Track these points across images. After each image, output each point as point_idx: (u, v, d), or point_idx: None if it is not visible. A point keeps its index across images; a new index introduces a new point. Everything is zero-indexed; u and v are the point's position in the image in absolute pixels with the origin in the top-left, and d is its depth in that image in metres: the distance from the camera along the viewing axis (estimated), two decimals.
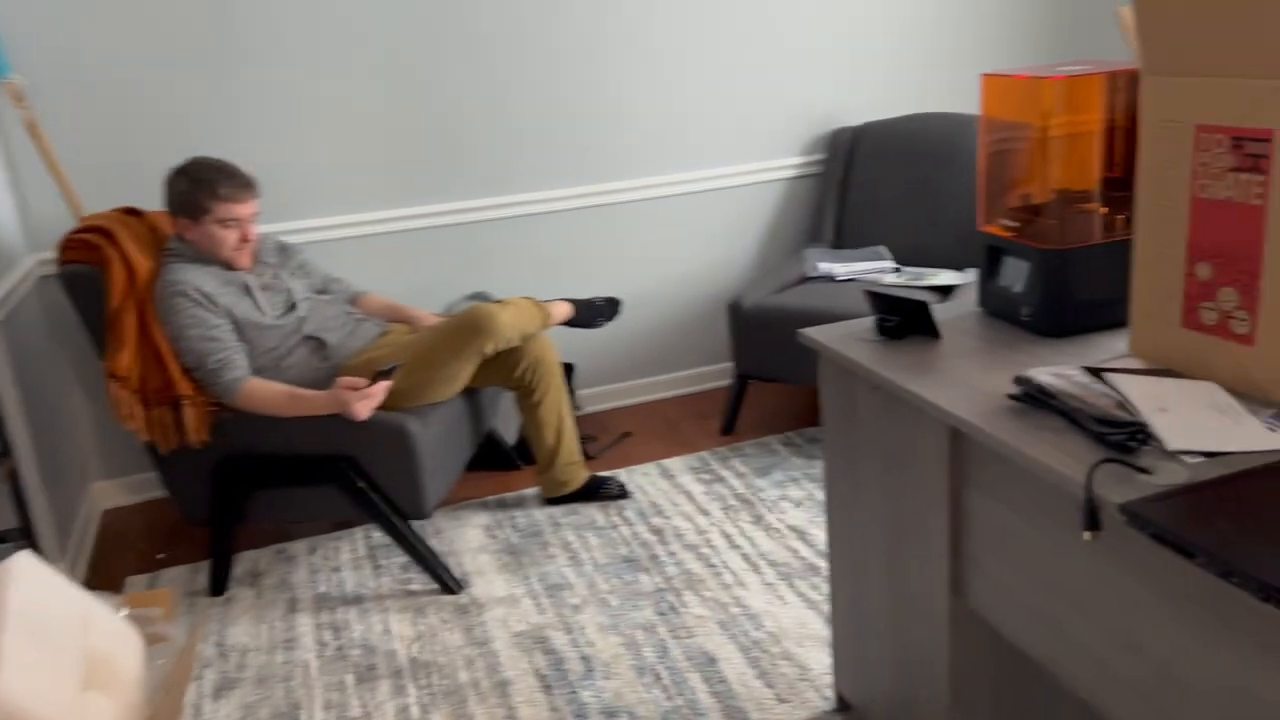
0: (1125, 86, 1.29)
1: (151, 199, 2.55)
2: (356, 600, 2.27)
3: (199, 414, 2.13)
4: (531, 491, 2.74)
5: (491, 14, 2.94)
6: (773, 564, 2.27)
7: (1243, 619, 0.82)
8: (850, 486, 1.47)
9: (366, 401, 2.07)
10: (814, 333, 1.46)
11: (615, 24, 3.08)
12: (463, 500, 2.73)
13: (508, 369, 2.44)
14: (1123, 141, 1.32)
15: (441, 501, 2.64)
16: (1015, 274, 1.39)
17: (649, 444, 3.03)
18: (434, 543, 2.49)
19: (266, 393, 2.12)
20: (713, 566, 2.28)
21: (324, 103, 2.83)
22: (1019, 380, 1.13)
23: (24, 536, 2.01)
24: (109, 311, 2.13)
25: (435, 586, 2.28)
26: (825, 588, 2.15)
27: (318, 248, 2.89)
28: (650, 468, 2.84)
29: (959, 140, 3.12)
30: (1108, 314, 1.34)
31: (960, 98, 3.58)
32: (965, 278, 2.79)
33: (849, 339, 1.42)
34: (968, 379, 1.22)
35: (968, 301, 1.51)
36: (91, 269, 2.15)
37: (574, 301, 2.69)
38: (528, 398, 2.52)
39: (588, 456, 2.78)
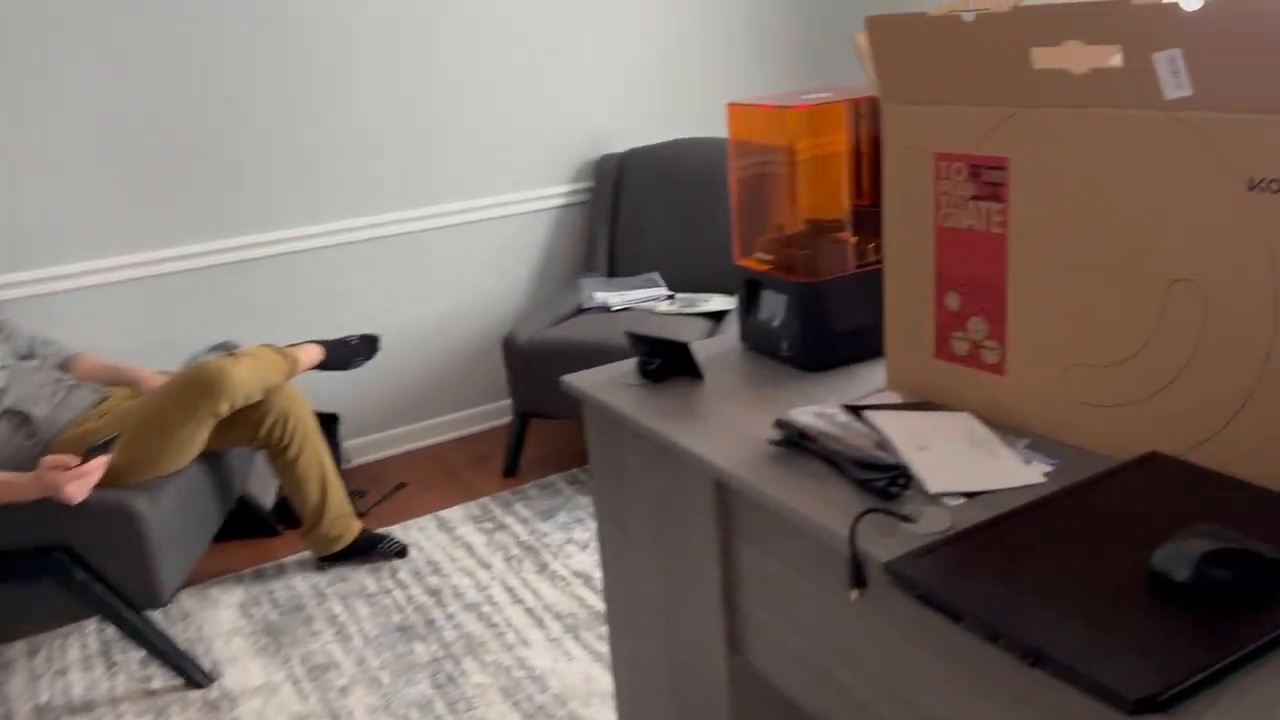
0: (868, 113, 1.28)
1: None
2: (86, 708, 1.99)
3: None
4: (295, 559, 2.52)
5: (235, 44, 2.71)
6: (558, 616, 2.16)
7: (1013, 677, 0.78)
8: (622, 538, 1.38)
9: (80, 482, 1.81)
10: (575, 379, 1.37)
11: (371, 54, 2.91)
12: (213, 577, 2.47)
13: (251, 427, 2.22)
14: (869, 169, 1.31)
15: (185, 582, 2.38)
16: (773, 308, 1.35)
17: (426, 494, 2.87)
18: (178, 630, 2.22)
19: None
20: (494, 626, 2.15)
21: (37, 131, 2.50)
22: (780, 424, 1.08)
23: None
24: None
25: (180, 682, 2.03)
26: None
27: (34, 304, 2.55)
28: (427, 521, 2.68)
29: (722, 165, 3.15)
30: (868, 344, 1.32)
31: (722, 122, 3.63)
32: (737, 302, 2.80)
33: (611, 384, 1.34)
34: (731, 423, 1.17)
35: (730, 337, 1.46)
36: None
37: (325, 343, 2.50)
38: (280, 455, 2.30)
39: (359, 514, 2.59)
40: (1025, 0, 0.96)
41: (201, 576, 2.46)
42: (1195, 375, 0.89)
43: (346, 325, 3.03)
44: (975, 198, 1.05)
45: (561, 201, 3.33)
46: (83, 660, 2.14)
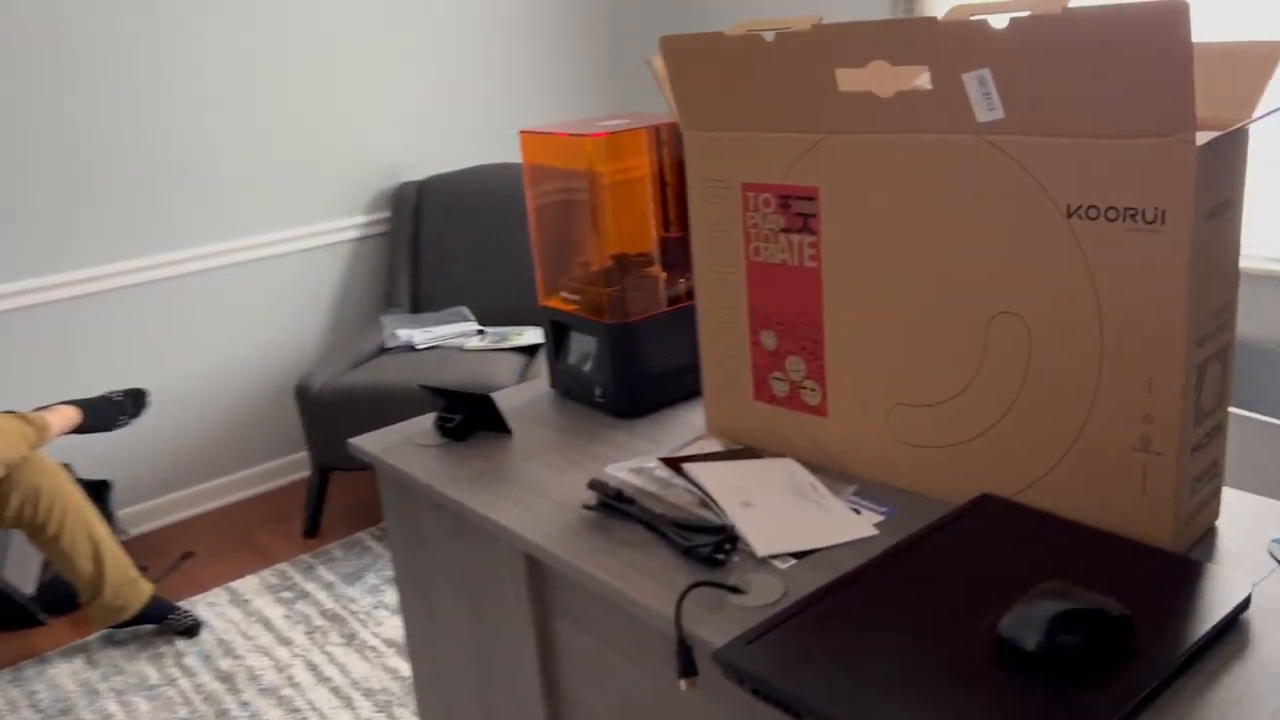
0: (670, 140, 1.20)
1: None
2: None
3: None
4: (61, 650, 2.22)
5: None
6: (369, 693, 1.98)
7: None
8: (426, 615, 1.25)
9: None
10: (365, 442, 1.23)
11: (133, 79, 2.64)
12: None
13: None
14: (675, 199, 1.23)
15: None
16: (583, 351, 1.26)
17: (216, 563, 2.61)
18: None
19: None
20: (297, 712, 1.95)
21: None
22: (594, 485, 0.98)
23: None
24: None
25: None
26: None
27: None
28: (218, 594, 2.43)
29: (522, 188, 3.05)
30: (685, 384, 1.24)
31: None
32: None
33: (406, 446, 1.20)
34: (542, 486, 1.06)
35: (540, 383, 1.35)
36: None
37: (83, 402, 2.23)
38: (39, 534, 2.03)
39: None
40: (827, 18, 0.90)
41: None
42: (1023, 413, 0.86)
43: (114, 380, 2.73)
44: (786, 230, 0.99)
45: (357, 234, 3.14)
46: None
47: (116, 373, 2.73)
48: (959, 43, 0.79)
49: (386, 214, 3.20)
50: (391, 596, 2.33)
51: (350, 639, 2.17)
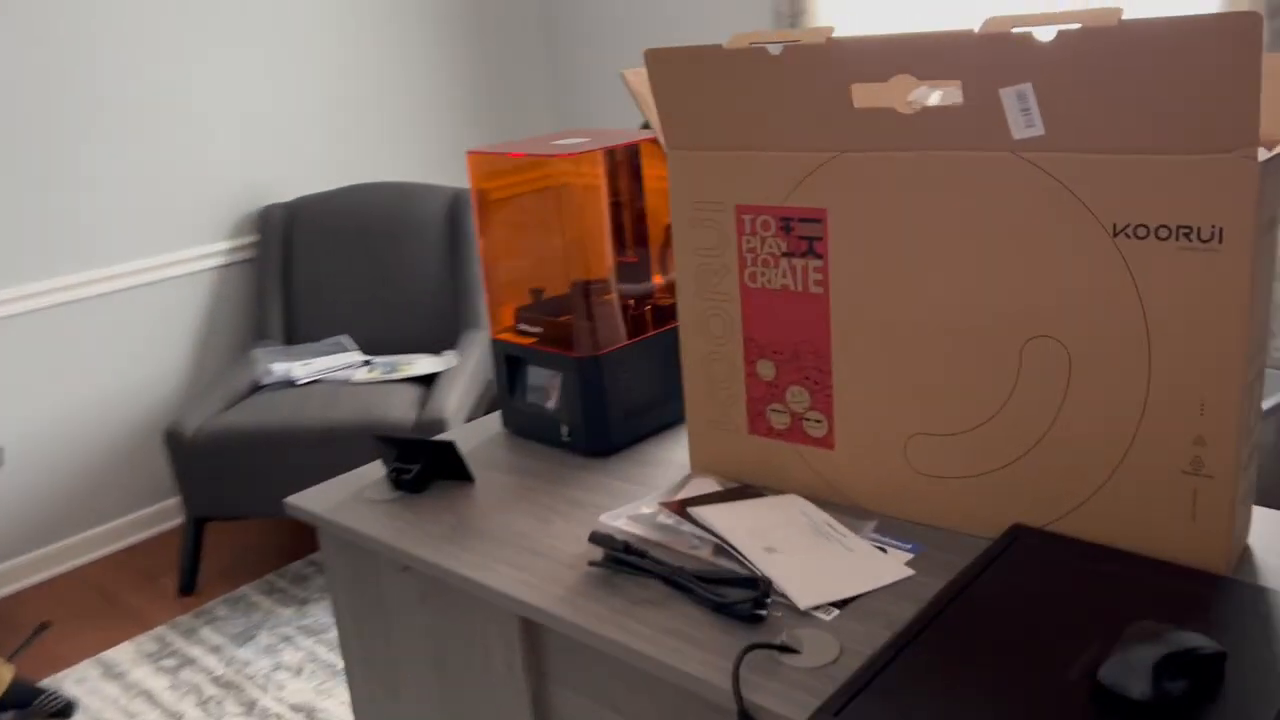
0: (626, 160, 1.14)
1: None
2: None
3: None
4: None
5: None
6: None
7: None
8: (387, 695, 1.13)
9: None
10: (304, 501, 1.11)
11: None
12: None
13: None
14: (631, 222, 1.17)
15: None
16: (545, 388, 1.17)
17: (80, 632, 2.37)
18: None
19: None
20: None
21: None
22: (596, 539, 0.90)
23: None
24: None
25: None
26: None
27: None
28: (87, 668, 2.21)
29: (410, 212, 2.92)
30: (654, 417, 1.18)
31: (406, 165, 3.40)
32: (447, 362, 2.58)
33: (355, 502, 1.09)
34: (530, 540, 0.97)
35: (488, 424, 1.26)
36: None
37: None
38: None
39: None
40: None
41: None
42: (1059, 440, 0.83)
43: None
44: (788, 254, 0.94)
45: (220, 261, 2.93)
46: None
47: None
48: (998, 56, 0.75)
49: (253, 238, 3.00)
50: (291, 655, 2.16)
51: (250, 707, 2.00)
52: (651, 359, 1.16)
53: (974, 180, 0.81)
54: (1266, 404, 2.10)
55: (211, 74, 2.86)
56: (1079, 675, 0.67)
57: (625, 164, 1.13)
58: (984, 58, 0.76)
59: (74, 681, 2.13)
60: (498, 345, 1.21)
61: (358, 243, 2.91)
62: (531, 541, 0.97)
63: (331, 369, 2.63)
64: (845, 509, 0.97)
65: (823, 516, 0.94)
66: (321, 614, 2.32)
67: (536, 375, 1.19)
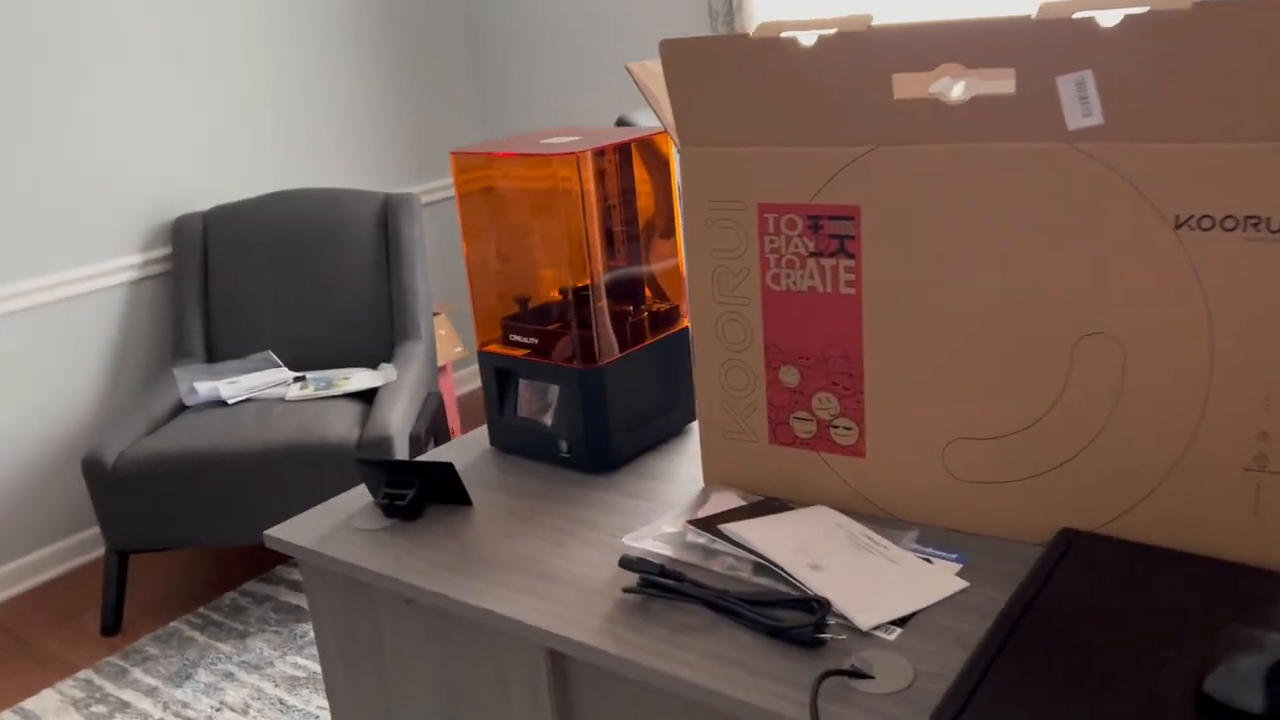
0: (615, 159, 1.09)
1: None
2: None
3: None
4: None
5: None
6: None
7: None
8: None
9: None
10: (286, 535, 1.03)
11: None
12: None
13: None
14: (621, 223, 1.12)
15: None
16: (541, 403, 1.12)
17: None
18: None
19: None
20: None
21: None
22: (630, 564, 0.85)
23: None
24: None
25: None
26: None
27: None
28: None
29: (338, 219, 2.82)
30: (655, 428, 1.13)
31: (329, 170, 3.28)
32: (386, 375, 2.49)
33: (343, 531, 1.02)
34: (548, 567, 0.91)
35: (472, 441, 1.20)
36: None
37: None
38: None
39: None
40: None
41: None
42: (1112, 440, 0.81)
43: None
44: (816, 254, 0.90)
45: (132, 276, 2.78)
46: None
47: None
48: (1057, 43, 0.73)
49: (166, 250, 2.85)
50: (235, 693, 2.04)
51: None
52: (652, 367, 1.12)
53: (1024, 173, 0.78)
54: None
55: (116, 77, 2.71)
56: (1179, 687, 0.65)
57: (619, 163, 1.08)
58: (1041, 45, 0.74)
59: None
60: (486, 358, 1.15)
61: (281, 253, 2.79)
62: (548, 568, 0.91)
63: (262, 387, 2.51)
64: (879, 519, 0.94)
65: (859, 528, 0.91)
66: (264, 647, 2.20)
67: (530, 389, 1.13)
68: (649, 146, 1.09)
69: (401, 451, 2.28)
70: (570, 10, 3.39)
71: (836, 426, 0.94)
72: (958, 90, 0.78)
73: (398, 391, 2.42)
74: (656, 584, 0.83)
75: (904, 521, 0.93)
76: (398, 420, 2.30)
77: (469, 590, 0.89)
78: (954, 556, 0.87)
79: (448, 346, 3.21)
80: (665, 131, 1.10)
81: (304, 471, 2.24)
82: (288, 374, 2.56)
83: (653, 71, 1.02)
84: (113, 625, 2.33)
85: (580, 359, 1.06)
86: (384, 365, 2.58)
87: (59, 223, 2.62)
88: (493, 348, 1.14)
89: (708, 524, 0.91)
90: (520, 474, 1.11)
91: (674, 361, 1.15)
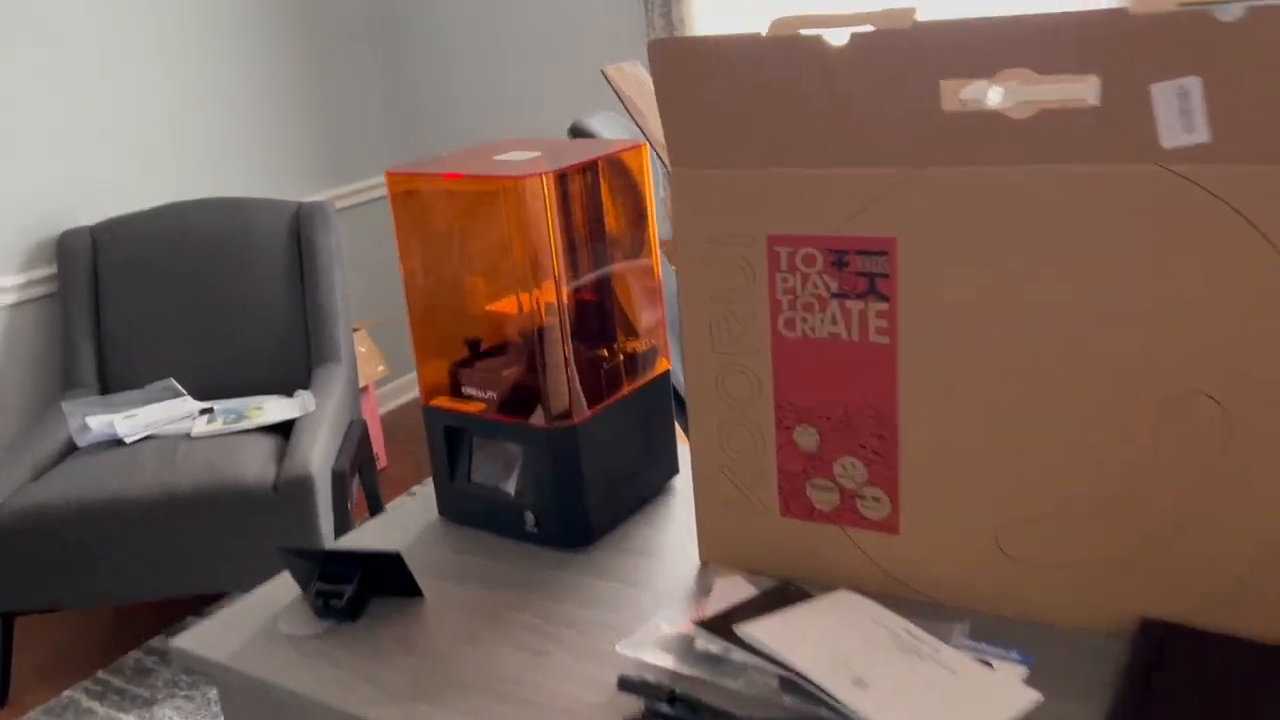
0: (583, 180, 0.93)
1: None
2: None
3: None
4: None
5: None
6: None
7: None
8: None
9: None
10: (190, 645, 0.86)
11: None
12: None
13: None
14: (586, 254, 0.97)
15: None
16: (500, 466, 0.96)
17: None
18: None
19: None
20: None
21: None
22: (630, 686, 0.70)
23: None
24: None
25: None
26: None
27: None
28: None
29: (245, 232, 2.60)
30: (639, 489, 0.99)
31: (234, 176, 3.05)
32: (304, 404, 2.29)
33: (269, 641, 0.85)
34: (520, 685, 0.76)
35: (416, 508, 1.04)
36: None
37: None
38: None
39: None
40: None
41: None
42: (1206, 518, 0.69)
43: None
44: (840, 295, 0.76)
45: (11, 299, 2.53)
46: None
47: None
48: (1158, 43, 0.60)
49: (50, 270, 2.60)
50: None
51: None
52: (632, 420, 0.97)
53: (1103, 200, 0.66)
54: None
55: None
56: None
57: (589, 184, 0.93)
58: (1136, 45, 0.61)
59: None
60: (433, 415, 0.98)
61: (182, 269, 2.56)
62: (527, 688, 0.76)
63: (164, 421, 2.29)
64: (915, 605, 0.81)
65: (899, 622, 0.77)
66: (174, 716, 2.00)
67: (487, 450, 0.97)
68: (619, 164, 0.94)
69: (324, 490, 2.10)
70: (484, 9, 3.21)
71: (864, 497, 0.80)
72: (1023, 101, 0.65)
73: (317, 422, 2.23)
74: (665, 715, 0.68)
75: (943, 607, 0.80)
76: (319, 455, 2.11)
77: (426, 716, 0.73)
78: (1015, 656, 0.74)
79: (369, 366, 3.01)
80: (641, 145, 0.95)
81: (215, 518, 2.04)
82: (193, 405, 2.35)
83: (633, 77, 0.87)
84: None
85: (549, 416, 0.91)
86: (300, 392, 2.38)
87: None
88: (440, 402, 0.98)
89: (719, 626, 0.77)
90: (478, 552, 0.95)
91: (655, 411, 1.00)
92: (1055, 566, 0.75)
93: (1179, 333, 0.66)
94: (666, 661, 0.75)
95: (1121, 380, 0.69)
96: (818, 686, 0.70)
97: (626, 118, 2.82)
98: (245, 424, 2.25)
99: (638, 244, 0.98)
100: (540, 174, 0.85)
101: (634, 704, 0.72)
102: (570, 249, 0.91)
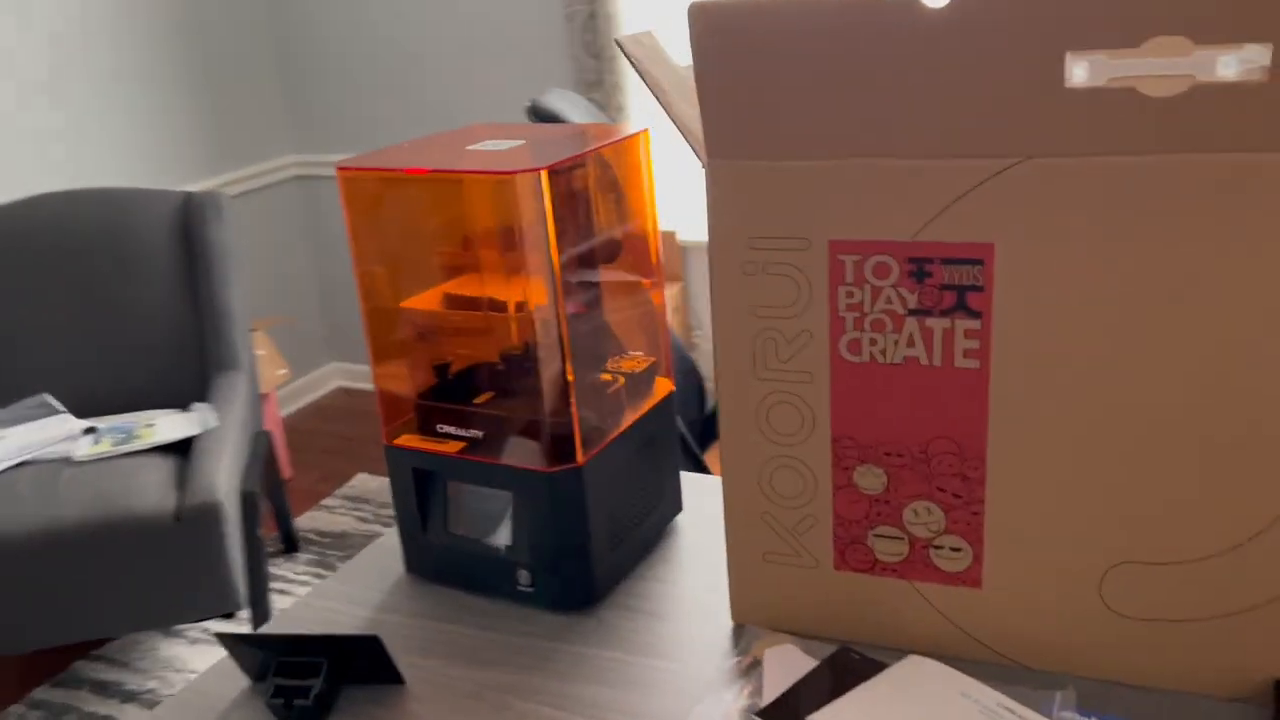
0: (569, 173, 0.80)
1: None
2: None
3: None
4: None
5: None
6: None
7: None
8: None
9: None
10: None
11: None
12: None
13: None
14: (572, 258, 0.83)
15: None
16: (485, 516, 0.82)
17: None
18: None
19: None
20: None
21: None
22: None
23: None
24: None
25: None
26: None
27: None
28: None
29: (126, 224, 2.37)
30: (649, 528, 0.86)
31: (111, 163, 2.79)
32: (202, 419, 2.09)
33: None
34: None
35: (384, 567, 0.89)
36: None
37: None
38: None
39: None
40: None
41: None
42: None
43: None
44: (920, 312, 0.64)
45: None
46: None
47: None
48: None
49: None
50: None
51: None
52: (635, 457, 0.84)
53: (1265, 197, 0.55)
54: None
55: None
56: None
57: (586, 179, 0.79)
58: None
59: None
60: (398, 456, 0.83)
61: (55, 269, 2.32)
62: None
63: (40, 444, 2.05)
64: (996, 670, 0.70)
65: (993, 696, 0.66)
66: None
67: (468, 497, 0.82)
68: (621, 153, 0.81)
69: (232, 516, 1.90)
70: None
71: (939, 547, 0.69)
72: (1171, 74, 0.54)
73: (220, 439, 2.03)
74: None
75: (1034, 673, 0.69)
76: (225, 478, 1.92)
77: None
78: None
79: (270, 370, 2.79)
80: (642, 131, 0.81)
81: (106, 555, 1.83)
82: (74, 424, 2.12)
83: (651, 49, 0.74)
84: None
85: (548, 456, 0.77)
86: (197, 405, 2.17)
87: None
88: (407, 440, 0.83)
89: (790, 714, 0.65)
90: (461, 619, 0.81)
91: (657, 441, 0.87)
92: (1170, 622, 0.65)
93: None
94: None
95: (1259, 414, 0.59)
96: None
97: (584, 96, 2.67)
98: (137, 444, 2.03)
99: (639, 245, 0.85)
100: (537, 169, 0.71)
101: None
102: (567, 254, 0.77)
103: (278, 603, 2.32)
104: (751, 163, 0.65)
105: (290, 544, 2.55)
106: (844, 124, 0.62)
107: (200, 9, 2.99)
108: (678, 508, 0.92)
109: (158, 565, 1.85)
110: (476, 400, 0.82)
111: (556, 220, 0.73)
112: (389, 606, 0.84)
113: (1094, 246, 0.59)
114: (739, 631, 0.77)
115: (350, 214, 0.79)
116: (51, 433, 2.09)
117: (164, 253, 2.35)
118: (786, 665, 0.70)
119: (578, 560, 0.79)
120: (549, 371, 0.76)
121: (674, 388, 0.89)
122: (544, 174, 0.71)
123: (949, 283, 0.63)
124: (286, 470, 2.96)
